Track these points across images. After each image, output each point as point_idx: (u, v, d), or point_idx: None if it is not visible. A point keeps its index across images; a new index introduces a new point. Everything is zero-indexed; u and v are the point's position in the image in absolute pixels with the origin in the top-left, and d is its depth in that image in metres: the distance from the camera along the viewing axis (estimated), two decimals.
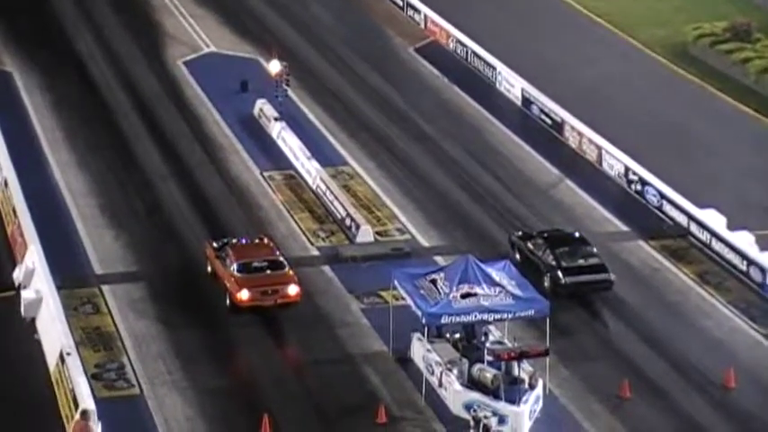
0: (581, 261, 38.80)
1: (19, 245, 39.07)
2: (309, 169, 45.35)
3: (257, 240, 39.23)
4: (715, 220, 42.01)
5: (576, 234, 40.22)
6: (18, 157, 44.08)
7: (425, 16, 60.28)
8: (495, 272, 34.33)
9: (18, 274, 37.91)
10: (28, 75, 53.02)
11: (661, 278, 40.29)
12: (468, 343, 34.13)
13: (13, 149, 44.58)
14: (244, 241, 38.96)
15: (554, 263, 38.75)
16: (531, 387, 33.07)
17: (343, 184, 45.02)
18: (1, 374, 34.12)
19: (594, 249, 39.31)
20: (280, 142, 47.82)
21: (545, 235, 40.06)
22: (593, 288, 38.55)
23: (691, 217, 42.56)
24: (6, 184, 42.21)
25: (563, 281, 38.41)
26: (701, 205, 42.85)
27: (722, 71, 55.69)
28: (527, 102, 51.97)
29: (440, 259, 39.85)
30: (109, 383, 33.88)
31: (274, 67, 49.46)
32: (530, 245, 39.86)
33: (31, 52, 55.09)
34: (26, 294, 36.54)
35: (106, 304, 37.45)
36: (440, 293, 33.77)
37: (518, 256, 39.94)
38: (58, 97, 51.20)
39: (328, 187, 43.97)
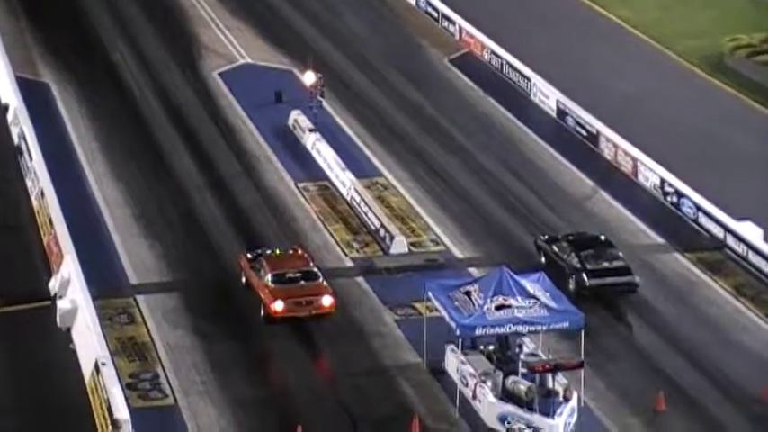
0: (605, 263, 38.95)
1: (55, 255, 39.26)
2: (344, 180, 45.38)
3: (291, 251, 39.26)
4: (751, 232, 41.72)
5: (602, 237, 40.27)
6: (54, 168, 44.28)
7: (460, 27, 60.25)
8: (529, 284, 34.22)
9: (54, 284, 38.07)
10: (64, 86, 53.32)
11: (697, 291, 40.06)
12: (503, 355, 34.02)
13: (50, 160, 44.77)
14: (278, 252, 39.00)
15: (579, 265, 38.91)
16: (566, 399, 32.92)
17: (377, 195, 45.02)
18: (36, 384, 34.28)
19: (620, 252, 39.33)
20: (314, 153, 47.88)
21: (570, 238, 40.28)
22: (617, 290, 38.57)
23: (727, 229, 42.32)
24: (43, 194, 42.45)
25: (587, 283, 38.50)
26: (738, 217, 42.60)
27: (759, 83, 55.35)
28: (562, 113, 51.84)
29: (474, 271, 39.77)
30: (143, 393, 33.98)
31: (309, 78, 49.54)
32: (555, 248, 40.04)
33: (67, 63, 55.41)
34: (62, 304, 36.70)
35: (141, 314, 37.57)
36: (474, 305, 33.68)
37: (543, 259, 40.17)
38: (94, 108, 51.47)
39: (362, 198, 43.98)
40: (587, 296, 38.28)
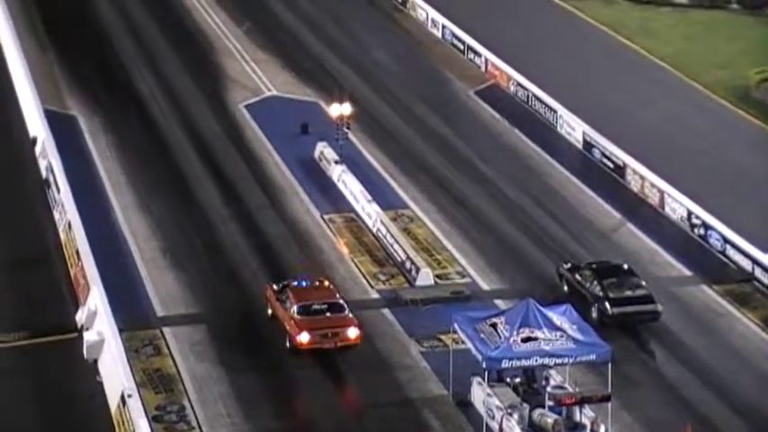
0: (628, 292, 39.07)
1: (82, 287, 39.36)
2: (370, 212, 45.39)
3: (317, 283, 39.27)
4: None
5: (624, 265, 40.19)
6: (82, 200, 44.46)
7: (486, 59, 60.32)
8: (556, 316, 34.11)
9: (81, 316, 38.17)
10: (92, 118, 53.58)
11: (725, 323, 39.84)
12: (529, 387, 33.89)
13: (77, 192, 44.96)
14: (304, 284, 39.01)
15: (601, 294, 38.98)
16: None
17: (403, 227, 45.00)
18: (63, 415, 34.31)
19: (642, 281, 39.29)
20: (340, 185, 47.93)
21: (593, 266, 40.32)
22: (640, 319, 38.52)
23: (755, 261, 42.09)
24: (70, 226, 42.60)
25: (610, 312, 38.46)
26: (766, 249, 42.37)
27: None
28: (588, 145, 51.76)
29: (500, 303, 39.67)
30: (170, 425, 33.96)
31: (335, 110, 49.66)
32: (577, 276, 40.09)
33: (95, 96, 55.71)
34: (88, 336, 36.78)
35: (167, 346, 37.60)
36: (500, 337, 33.59)
37: (566, 288, 40.17)
38: (121, 140, 51.69)
39: (388, 230, 43.96)
40: (610, 324, 38.17)
